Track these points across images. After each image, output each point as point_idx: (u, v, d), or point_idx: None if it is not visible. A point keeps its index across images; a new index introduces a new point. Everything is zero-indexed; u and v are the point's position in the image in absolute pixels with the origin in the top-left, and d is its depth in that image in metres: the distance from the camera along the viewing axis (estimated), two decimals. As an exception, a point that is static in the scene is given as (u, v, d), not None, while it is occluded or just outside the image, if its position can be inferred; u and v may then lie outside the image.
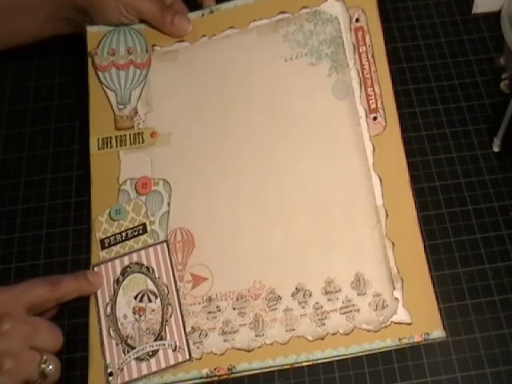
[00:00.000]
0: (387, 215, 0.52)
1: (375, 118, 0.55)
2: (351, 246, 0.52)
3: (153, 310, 0.52)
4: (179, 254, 0.53)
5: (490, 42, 0.66)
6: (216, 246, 0.53)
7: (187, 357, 0.50)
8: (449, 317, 0.53)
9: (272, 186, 0.55)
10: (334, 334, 0.50)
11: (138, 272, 0.53)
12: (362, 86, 0.56)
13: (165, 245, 0.53)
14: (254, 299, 0.52)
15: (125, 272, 0.53)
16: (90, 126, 0.58)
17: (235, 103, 0.57)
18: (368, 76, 0.56)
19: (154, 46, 0.60)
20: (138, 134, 0.57)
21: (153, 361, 0.50)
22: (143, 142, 0.57)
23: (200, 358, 0.50)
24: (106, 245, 0.54)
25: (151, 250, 0.53)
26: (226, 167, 0.56)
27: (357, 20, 0.57)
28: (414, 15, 0.68)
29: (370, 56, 0.56)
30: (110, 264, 0.53)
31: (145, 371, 0.50)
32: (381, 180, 0.53)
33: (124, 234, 0.54)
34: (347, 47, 0.57)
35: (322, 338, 0.50)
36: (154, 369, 0.50)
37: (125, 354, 0.50)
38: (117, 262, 0.53)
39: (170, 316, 0.51)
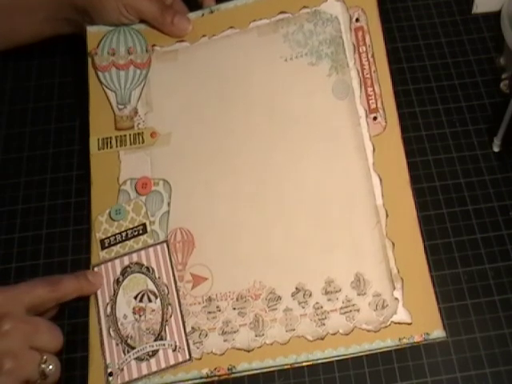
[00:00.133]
0: (387, 215, 0.52)
1: (375, 118, 0.55)
2: (351, 246, 0.52)
3: (153, 310, 0.52)
4: (179, 254, 0.53)
5: (489, 42, 0.66)
6: (216, 246, 0.53)
7: (187, 357, 0.50)
8: (449, 317, 0.53)
9: (272, 186, 0.55)
10: (334, 334, 0.50)
11: (138, 272, 0.53)
12: (362, 86, 0.56)
13: (165, 245, 0.53)
14: (254, 299, 0.52)
15: (125, 272, 0.53)
16: (90, 126, 0.58)
17: (235, 103, 0.58)
18: (368, 76, 0.56)
19: (153, 45, 0.60)
20: (138, 134, 0.57)
21: (153, 361, 0.50)
22: (143, 142, 0.57)
23: (200, 358, 0.50)
24: (106, 245, 0.54)
25: (151, 250, 0.53)
26: (226, 167, 0.56)
27: (357, 20, 0.57)
28: (414, 15, 0.68)
29: (370, 56, 0.56)
30: (109, 264, 0.53)
31: (145, 371, 0.50)
32: (381, 180, 0.53)
33: (124, 234, 0.54)
34: (347, 47, 0.57)
35: (322, 338, 0.50)
36: (154, 369, 0.50)
37: (125, 354, 0.50)
38: (117, 262, 0.53)
39: (170, 316, 0.51)
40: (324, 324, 0.50)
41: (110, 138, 0.57)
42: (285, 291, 0.52)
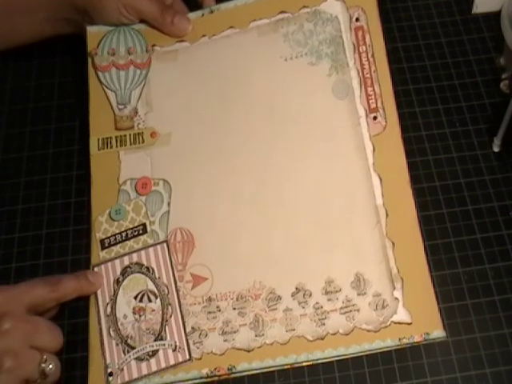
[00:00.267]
0: (387, 215, 0.52)
1: (375, 118, 0.55)
2: (351, 245, 0.52)
3: (153, 310, 0.52)
4: (179, 254, 0.53)
5: (489, 42, 0.66)
6: (216, 246, 0.53)
7: (187, 357, 0.50)
8: (449, 317, 0.53)
9: (272, 186, 0.55)
10: (334, 334, 0.50)
11: (138, 272, 0.53)
12: (361, 86, 0.56)
13: (165, 245, 0.53)
14: (254, 299, 0.52)
15: (125, 272, 0.53)
16: (90, 126, 0.58)
17: (235, 103, 0.57)
18: (368, 75, 0.56)
19: (154, 45, 0.60)
20: (138, 134, 0.57)
21: (153, 361, 0.50)
22: (143, 142, 0.57)
23: (200, 358, 0.50)
24: (106, 245, 0.54)
25: (151, 250, 0.53)
26: (226, 167, 0.56)
27: (357, 19, 0.57)
28: (414, 15, 0.68)
29: (369, 55, 0.56)
30: (109, 264, 0.53)
31: (145, 371, 0.50)
32: (381, 180, 0.53)
33: (124, 234, 0.54)
34: (347, 47, 0.57)
35: (322, 338, 0.50)
36: (154, 369, 0.50)
37: (125, 354, 0.50)
38: (117, 262, 0.53)
39: (170, 316, 0.51)
40: (324, 324, 0.50)
41: (110, 138, 0.57)
42: (285, 291, 0.52)
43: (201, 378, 0.50)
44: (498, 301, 0.54)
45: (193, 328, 0.51)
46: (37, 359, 0.46)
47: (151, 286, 0.52)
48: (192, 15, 0.61)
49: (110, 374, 0.50)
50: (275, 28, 0.59)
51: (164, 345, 0.50)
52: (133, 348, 0.51)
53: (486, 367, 0.51)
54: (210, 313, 0.51)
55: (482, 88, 0.63)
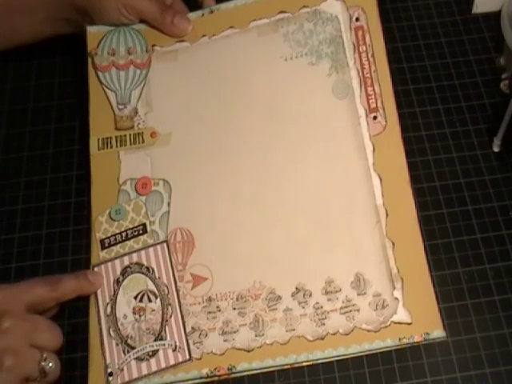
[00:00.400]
0: (387, 215, 0.52)
1: (375, 118, 0.55)
2: (351, 245, 0.52)
3: (153, 310, 0.52)
4: (179, 254, 0.53)
5: (490, 42, 0.66)
6: (216, 246, 0.53)
7: (187, 357, 0.50)
8: (449, 317, 0.53)
9: (272, 186, 0.55)
10: (334, 334, 0.50)
11: (138, 272, 0.53)
12: (361, 86, 0.56)
13: (165, 245, 0.53)
14: (253, 299, 0.52)
15: (125, 272, 0.53)
16: (90, 126, 0.58)
17: (235, 103, 0.57)
18: (368, 75, 0.56)
19: (153, 45, 0.60)
20: (138, 134, 0.57)
21: (153, 361, 0.50)
22: (143, 142, 0.57)
23: (200, 358, 0.50)
24: (106, 245, 0.54)
25: (151, 250, 0.53)
26: (226, 167, 0.56)
27: (357, 19, 0.57)
28: (414, 15, 0.68)
29: (369, 55, 0.56)
30: (109, 264, 0.53)
31: (145, 371, 0.50)
32: (381, 180, 0.53)
33: (124, 234, 0.54)
34: (347, 47, 0.57)
35: (322, 338, 0.50)
36: (154, 369, 0.50)
37: (125, 354, 0.50)
38: (117, 262, 0.53)
39: (170, 316, 0.51)
40: (324, 324, 0.50)
41: (110, 138, 0.57)
42: (285, 291, 0.52)
43: (201, 378, 0.50)
44: (498, 301, 0.54)
45: (193, 328, 0.51)
46: (37, 357, 0.46)
47: (151, 286, 0.52)
48: (192, 15, 0.61)
49: (110, 374, 0.50)
50: (275, 28, 0.59)
51: (164, 345, 0.50)
52: (133, 348, 0.51)
53: (486, 367, 0.51)
54: (210, 313, 0.51)
55: (482, 88, 0.63)
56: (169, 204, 0.55)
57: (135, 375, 0.50)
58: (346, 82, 0.56)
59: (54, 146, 0.62)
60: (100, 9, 0.58)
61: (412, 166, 0.55)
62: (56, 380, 0.47)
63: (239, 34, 0.59)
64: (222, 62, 0.59)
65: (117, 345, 0.51)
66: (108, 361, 0.50)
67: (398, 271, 0.51)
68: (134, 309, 0.52)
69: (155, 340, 0.51)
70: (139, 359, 0.50)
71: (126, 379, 0.50)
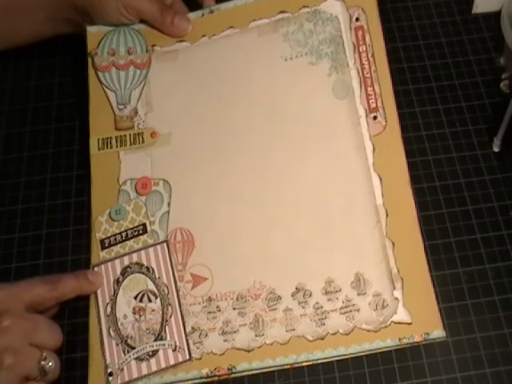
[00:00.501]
0: (387, 215, 0.52)
1: (375, 118, 0.55)
2: (351, 245, 0.52)
3: (153, 310, 0.52)
4: (179, 254, 0.53)
5: (489, 42, 0.66)
6: (216, 246, 0.53)
7: (187, 357, 0.50)
8: (449, 317, 0.53)
9: (272, 185, 0.55)
10: (334, 334, 0.50)
11: (138, 272, 0.53)
12: (361, 86, 0.56)
13: (165, 245, 0.53)
14: (253, 299, 0.52)
15: (125, 272, 0.53)
16: (90, 126, 0.58)
17: (235, 103, 0.57)
18: (368, 75, 0.56)
19: (153, 46, 0.60)
20: (138, 134, 0.57)
21: (153, 361, 0.50)
22: (143, 142, 0.57)
23: (200, 358, 0.50)
24: (106, 245, 0.54)
25: (151, 250, 0.53)
26: (226, 167, 0.56)
27: (357, 19, 0.57)
28: (414, 15, 0.68)
29: (369, 55, 0.56)
30: (109, 264, 0.53)
31: (145, 371, 0.50)
32: (381, 180, 0.53)
33: (124, 234, 0.54)
34: (347, 46, 0.57)
35: (322, 338, 0.50)
36: (154, 369, 0.50)
37: (125, 354, 0.50)
38: (117, 262, 0.53)
39: (170, 316, 0.51)
40: (324, 324, 0.50)
41: (110, 138, 0.57)
42: (285, 291, 0.52)
43: (201, 378, 0.50)
44: (498, 301, 0.54)
45: (193, 328, 0.51)
46: (36, 356, 0.46)
47: (151, 286, 0.52)
48: (192, 15, 0.61)
49: (110, 374, 0.50)
50: (275, 28, 0.59)
51: (164, 345, 0.50)
52: (133, 348, 0.51)
53: (486, 367, 0.51)
54: (210, 313, 0.51)
55: (482, 88, 0.63)
56: (169, 204, 0.55)
57: (135, 375, 0.50)
58: (346, 82, 0.56)
59: (54, 146, 0.62)
60: (100, 9, 0.58)
61: (412, 166, 0.55)
62: (56, 379, 0.47)
63: (239, 33, 0.59)
64: (222, 61, 0.59)
65: (117, 345, 0.51)
66: (108, 361, 0.50)
67: (398, 271, 0.51)
68: (134, 309, 0.52)
69: (155, 340, 0.51)
70: (139, 359, 0.50)
71: (126, 379, 0.50)
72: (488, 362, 0.51)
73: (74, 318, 0.54)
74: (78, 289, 0.51)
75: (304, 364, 0.50)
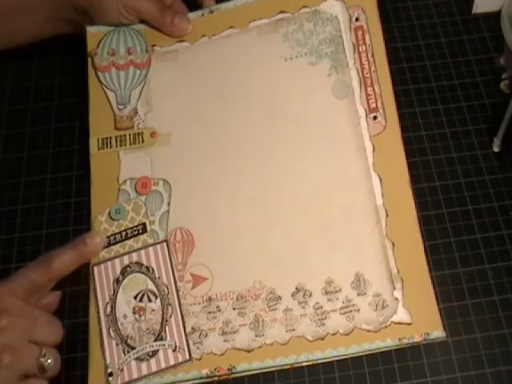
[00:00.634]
0: (387, 215, 0.52)
1: (375, 118, 0.55)
2: (351, 246, 0.52)
3: (153, 310, 0.52)
4: (179, 254, 0.53)
5: (489, 42, 0.66)
6: (216, 246, 0.53)
7: (187, 357, 0.50)
8: (449, 317, 0.53)
9: (272, 185, 0.55)
10: (334, 334, 0.50)
11: (138, 272, 0.53)
12: (361, 86, 0.56)
13: (165, 244, 0.53)
14: (253, 299, 0.52)
15: (124, 271, 0.53)
16: (90, 126, 0.58)
17: (235, 103, 0.58)
18: (368, 75, 0.56)
19: (153, 46, 0.60)
20: (138, 134, 0.57)
21: (153, 361, 0.50)
22: (143, 142, 0.57)
23: (200, 359, 0.50)
24: (106, 244, 0.54)
25: (151, 249, 0.53)
26: (226, 167, 0.56)
27: (356, 19, 0.57)
28: (414, 15, 0.68)
29: (369, 55, 0.56)
30: (109, 263, 0.53)
31: (145, 371, 0.50)
32: (381, 180, 0.53)
33: (124, 234, 0.54)
34: (347, 47, 0.57)
35: (322, 338, 0.50)
36: (154, 369, 0.50)
37: (125, 354, 0.50)
38: (116, 261, 0.53)
39: (170, 316, 0.51)
40: (324, 324, 0.50)
41: (110, 138, 0.57)
42: (285, 291, 0.52)
43: (201, 378, 0.50)
44: (498, 301, 0.54)
45: (193, 328, 0.51)
46: (35, 354, 0.46)
47: (151, 286, 0.52)
48: (192, 15, 0.61)
49: (110, 374, 0.50)
50: (275, 28, 0.59)
51: (164, 345, 0.50)
52: (133, 348, 0.51)
53: (486, 367, 0.51)
54: (210, 313, 0.51)
55: (482, 88, 0.63)
56: (169, 204, 0.55)
57: (135, 375, 0.50)
58: (346, 82, 0.56)
59: (54, 146, 0.62)
60: (100, 9, 0.58)
61: (412, 166, 0.55)
62: (56, 375, 0.47)
63: (239, 33, 0.59)
64: (222, 61, 0.59)
65: (117, 345, 0.51)
66: (108, 361, 0.50)
67: (398, 271, 0.51)
68: (133, 309, 0.52)
69: (155, 340, 0.51)
70: (139, 359, 0.50)
71: (126, 379, 0.50)
72: (488, 362, 0.51)
73: (74, 318, 0.54)
74: (77, 259, 0.50)
75: (304, 364, 0.50)
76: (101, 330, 0.51)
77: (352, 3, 0.58)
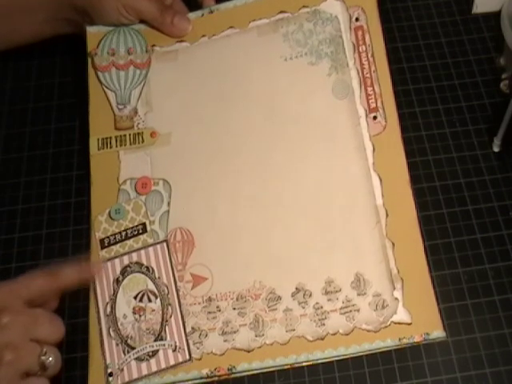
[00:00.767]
0: (387, 215, 0.52)
1: (375, 118, 0.55)
2: (351, 245, 0.52)
3: (153, 310, 0.52)
4: (179, 254, 0.53)
5: (489, 42, 0.66)
6: (216, 246, 0.53)
7: (187, 357, 0.50)
8: (449, 317, 0.53)
9: (272, 185, 0.55)
10: (334, 334, 0.50)
11: (138, 272, 0.53)
12: (361, 86, 0.56)
13: (164, 244, 0.53)
14: (253, 299, 0.52)
15: (124, 271, 0.53)
16: (90, 126, 0.58)
17: (235, 103, 0.58)
18: (368, 75, 0.56)
19: (153, 46, 0.60)
20: (138, 133, 0.57)
21: (153, 361, 0.50)
22: (143, 141, 0.57)
23: (200, 359, 0.50)
24: (106, 244, 0.54)
25: (151, 249, 0.53)
26: (226, 167, 0.56)
27: (356, 19, 0.57)
28: (414, 15, 0.68)
29: (369, 55, 0.56)
30: (109, 263, 0.53)
31: (145, 371, 0.50)
32: (381, 180, 0.53)
33: (124, 234, 0.54)
34: (347, 47, 0.57)
35: (322, 338, 0.50)
36: (154, 369, 0.50)
37: (125, 354, 0.50)
38: (116, 261, 0.53)
39: (170, 316, 0.51)
40: (324, 324, 0.50)
41: (110, 138, 0.57)
42: (285, 291, 0.52)
43: (201, 378, 0.50)
44: (498, 301, 0.54)
45: (193, 328, 0.51)
46: (36, 352, 0.46)
47: (151, 286, 0.52)
48: (192, 15, 0.61)
49: (110, 374, 0.50)
50: (275, 28, 0.59)
51: (164, 345, 0.50)
52: (133, 348, 0.51)
53: (486, 367, 0.51)
54: (210, 313, 0.51)
55: (482, 88, 0.63)
56: (169, 204, 0.55)
57: (135, 375, 0.50)
58: (346, 82, 0.56)
59: (54, 146, 0.62)
60: (100, 9, 0.58)
61: (412, 166, 0.55)
62: (57, 374, 0.47)
63: (239, 34, 0.59)
64: (222, 62, 0.59)
65: (117, 345, 0.51)
66: (108, 361, 0.50)
67: (398, 271, 0.51)
68: (133, 309, 0.52)
69: (155, 340, 0.51)
70: (139, 359, 0.50)
71: (126, 379, 0.50)
72: (488, 362, 0.51)
73: (74, 318, 0.54)
74: (79, 277, 0.50)
75: (304, 364, 0.50)
76: (101, 330, 0.51)
77: (352, 3, 0.58)
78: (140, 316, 0.51)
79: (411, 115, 0.62)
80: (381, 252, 0.52)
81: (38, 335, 0.46)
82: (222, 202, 0.55)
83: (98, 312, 0.52)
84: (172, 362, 0.50)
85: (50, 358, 0.46)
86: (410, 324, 0.49)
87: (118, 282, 0.53)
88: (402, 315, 0.50)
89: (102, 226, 0.55)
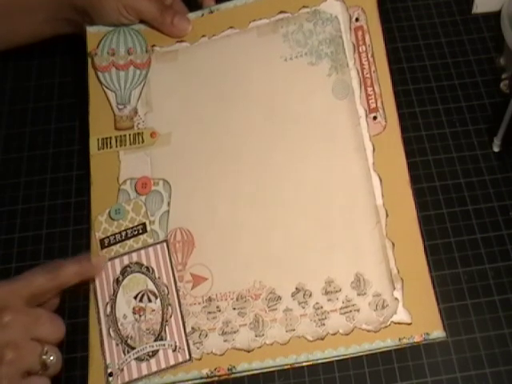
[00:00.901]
0: (387, 215, 0.52)
1: (375, 118, 0.55)
2: (351, 246, 0.52)
3: (153, 310, 0.52)
4: (179, 254, 0.53)
5: (489, 42, 0.66)
6: (216, 246, 0.53)
7: (187, 357, 0.50)
8: (449, 317, 0.53)
9: (272, 185, 0.55)
10: (334, 334, 0.50)
11: (138, 272, 0.53)
12: (361, 86, 0.56)
13: (164, 244, 0.53)
14: (253, 299, 0.52)
15: (124, 271, 0.53)
16: (90, 126, 0.58)
17: (235, 103, 0.57)
18: (368, 75, 0.56)
19: (153, 46, 0.60)
20: (138, 134, 0.57)
21: (153, 361, 0.50)
22: (143, 142, 0.57)
23: (200, 359, 0.50)
24: (106, 244, 0.54)
25: (151, 249, 0.53)
26: (226, 167, 0.56)
27: (356, 19, 0.57)
28: (414, 15, 0.68)
29: (369, 55, 0.56)
30: (109, 263, 0.53)
31: (145, 371, 0.50)
32: (381, 180, 0.53)
33: (124, 234, 0.54)
34: (347, 47, 0.57)
35: (322, 338, 0.50)
36: (154, 369, 0.50)
37: (125, 354, 0.50)
38: (116, 261, 0.53)
39: (170, 316, 0.51)
40: (324, 324, 0.50)
41: (110, 138, 0.57)
42: (285, 291, 0.52)
43: (201, 378, 0.50)
44: (498, 301, 0.54)
45: (193, 328, 0.51)
46: (37, 351, 0.46)
47: (151, 286, 0.52)
48: (192, 15, 0.61)
49: (110, 374, 0.50)
50: (275, 28, 0.59)
51: (164, 345, 0.50)
52: (133, 348, 0.51)
53: (486, 367, 0.51)
54: (210, 313, 0.51)
55: (482, 88, 0.64)
56: (169, 204, 0.55)
57: (135, 375, 0.50)
58: (346, 82, 0.56)
59: (54, 146, 0.63)
60: (100, 9, 0.58)
61: (412, 166, 0.55)
62: (58, 373, 0.47)
63: (239, 34, 0.59)
64: (222, 62, 0.59)
65: (117, 345, 0.51)
66: (108, 361, 0.50)
67: (398, 271, 0.51)
68: (133, 309, 0.52)
69: (155, 340, 0.51)
70: (139, 359, 0.50)
71: (126, 379, 0.50)
72: (488, 362, 0.51)
73: (74, 318, 0.54)
74: (80, 274, 0.50)
75: (304, 364, 0.50)
76: (101, 330, 0.51)
77: (352, 3, 0.58)
78: (140, 316, 0.51)
79: (411, 115, 0.62)
80: (381, 252, 0.52)
81: (39, 334, 0.46)
82: (222, 201, 0.55)
83: (98, 312, 0.52)
84: (172, 362, 0.50)
85: (51, 357, 0.46)
86: (409, 324, 0.49)
87: (117, 282, 0.53)
88: (401, 315, 0.50)
89: (102, 226, 0.55)
